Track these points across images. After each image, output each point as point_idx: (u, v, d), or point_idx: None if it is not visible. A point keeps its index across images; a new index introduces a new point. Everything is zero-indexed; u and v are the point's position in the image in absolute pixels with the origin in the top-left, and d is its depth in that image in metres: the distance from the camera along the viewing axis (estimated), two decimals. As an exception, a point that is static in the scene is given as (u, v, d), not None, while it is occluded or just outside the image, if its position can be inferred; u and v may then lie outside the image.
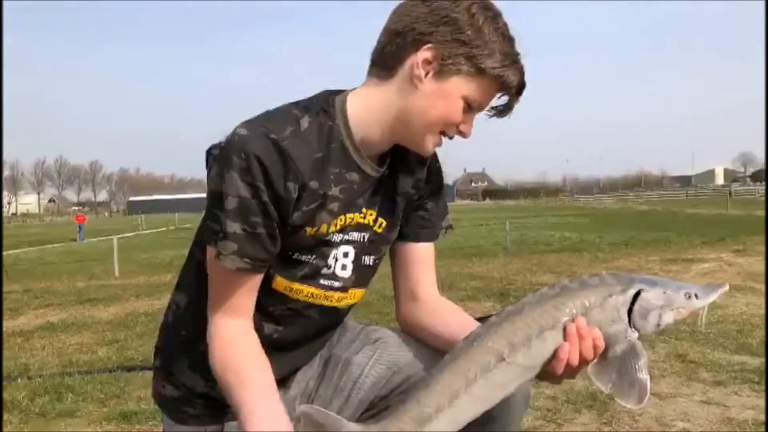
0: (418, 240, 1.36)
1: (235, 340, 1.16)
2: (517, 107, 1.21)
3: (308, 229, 1.18)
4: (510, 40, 1.15)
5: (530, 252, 11.68)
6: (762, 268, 6.65)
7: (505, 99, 1.19)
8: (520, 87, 1.18)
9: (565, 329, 1.03)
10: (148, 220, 46.10)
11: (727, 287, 1.09)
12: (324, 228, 1.19)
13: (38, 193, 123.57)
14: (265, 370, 1.14)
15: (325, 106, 1.19)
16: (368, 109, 1.19)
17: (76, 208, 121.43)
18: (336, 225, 1.21)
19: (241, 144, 1.10)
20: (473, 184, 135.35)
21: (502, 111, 1.21)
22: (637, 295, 1.04)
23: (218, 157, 1.12)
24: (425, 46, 1.12)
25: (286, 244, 1.18)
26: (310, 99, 1.21)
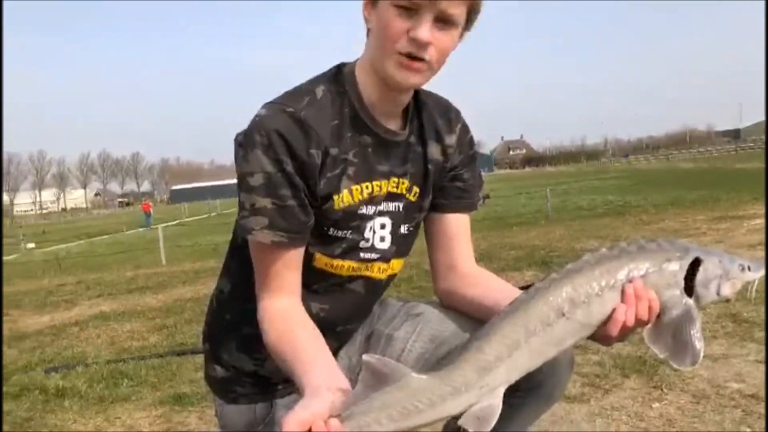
0: (456, 211, 1.35)
1: (286, 317, 1.17)
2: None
3: (335, 199, 1.18)
4: None
5: (572, 218, 11.49)
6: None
7: None
8: None
9: (623, 290, 1.03)
10: (191, 208, 47.04)
11: None
12: (347, 196, 1.19)
13: (84, 188, 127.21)
14: (317, 337, 1.14)
15: (337, 75, 1.22)
16: (362, 69, 1.21)
17: (120, 200, 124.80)
18: (362, 193, 1.21)
19: (261, 123, 1.13)
20: (511, 152, 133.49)
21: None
22: (694, 263, 1.05)
23: (242, 141, 1.15)
24: None
25: (320, 220, 1.19)
26: (324, 71, 1.24)
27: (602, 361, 2.83)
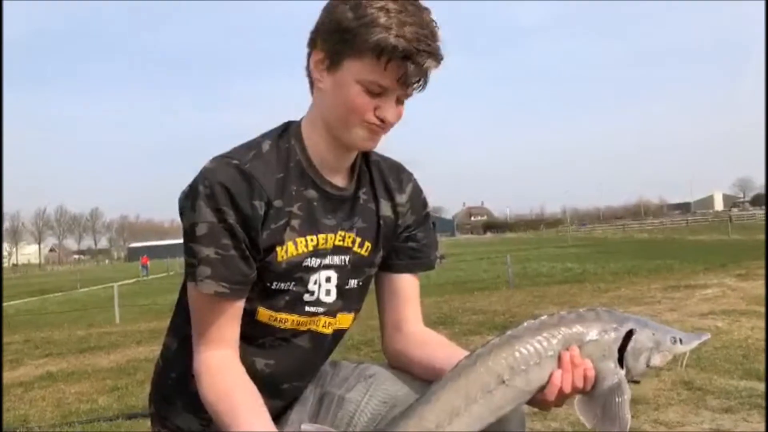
0: (410, 271, 1.36)
1: (222, 369, 1.16)
2: (430, 75, 1.13)
3: (279, 250, 1.19)
4: (398, 11, 1.09)
5: (532, 284, 11.64)
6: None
7: (405, 68, 1.10)
8: (407, 51, 1.08)
9: (560, 357, 1.06)
10: (150, 266, 45.97)
11: (709, 336, 1.17)
12: (291, 248, 1.20)
13: (39, 243, 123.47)
14: (253, 394, 1.14)
15: (284, 131, 1.25)
16: (310, 125, 1.24)
17: (76, 256, 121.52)
18: (307, 246, 1.22)
19: (206, 175, 1.15)
20: (473, 218, 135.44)
21: (403, 82, 1.11)
22: (629, 334, 1.09)
23: (188, 192, 1.17)
24: (316, 49, 1.17)
25: (263, 275, 1.20)
26: (273, 128, 1.27)
27: (562, 429, 2.83)
